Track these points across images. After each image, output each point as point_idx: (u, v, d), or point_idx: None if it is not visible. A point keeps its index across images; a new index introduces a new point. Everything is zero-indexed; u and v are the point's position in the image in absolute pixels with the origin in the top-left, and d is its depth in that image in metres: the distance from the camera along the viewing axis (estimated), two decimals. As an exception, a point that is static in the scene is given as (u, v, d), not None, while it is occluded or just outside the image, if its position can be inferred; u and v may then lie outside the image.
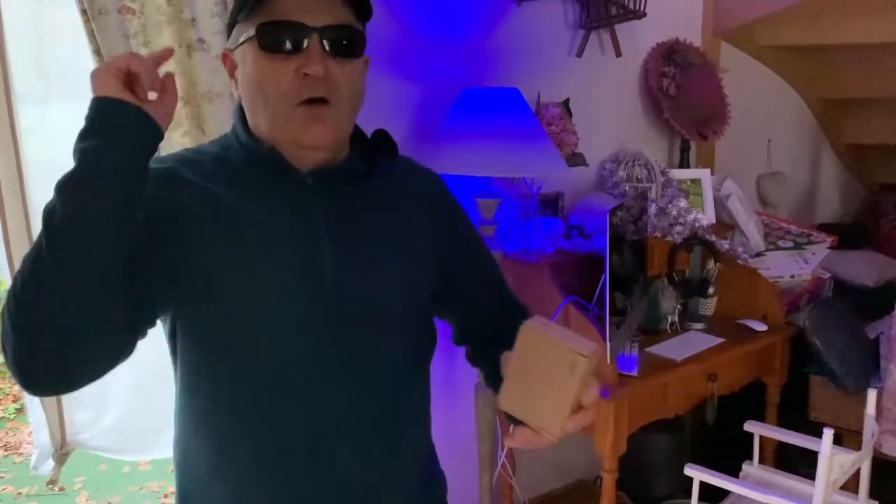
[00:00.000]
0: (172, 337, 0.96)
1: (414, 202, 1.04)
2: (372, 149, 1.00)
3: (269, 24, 0.88)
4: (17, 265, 1.55)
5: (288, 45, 0.88)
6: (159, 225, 0.88)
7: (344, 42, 0.90)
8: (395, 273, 0.98)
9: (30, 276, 0.78)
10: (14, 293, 0.79)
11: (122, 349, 0.87)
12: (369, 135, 1.03)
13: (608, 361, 1.87)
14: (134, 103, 0.80)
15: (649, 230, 2.26)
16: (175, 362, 0.98)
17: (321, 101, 0.89)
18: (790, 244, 2.82)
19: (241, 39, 0.91)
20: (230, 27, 0.94)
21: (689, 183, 2.59)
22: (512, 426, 0.89)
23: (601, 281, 1.96)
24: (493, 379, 1.02)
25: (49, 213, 0.79)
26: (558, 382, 0.80)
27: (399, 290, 0.98)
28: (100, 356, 0.85)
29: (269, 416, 0.92)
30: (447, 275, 1.05)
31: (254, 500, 0.95)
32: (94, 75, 0.81)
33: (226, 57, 0.97)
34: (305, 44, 0.88)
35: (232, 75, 0.96)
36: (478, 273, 1.12)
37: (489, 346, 1.04)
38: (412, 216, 1.02)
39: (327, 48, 0.89)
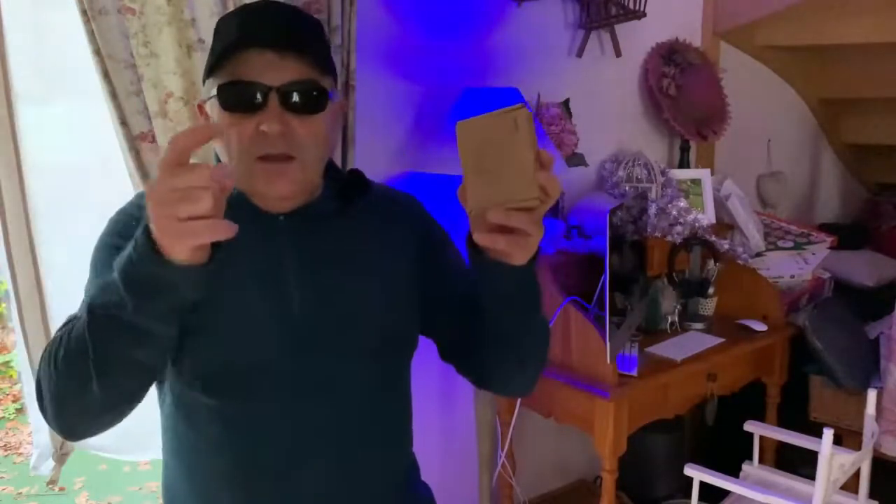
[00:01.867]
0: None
1: (390, 229, 1.05)
2: (345, 187, 1.03)
3: (229, 84, 0.90)
4: (17, 265, 1.55)
5: (248, 105, 0.89)
6: None
7: (304, 98, 0.91)
8: (367, 304, 0.99)
9: (72, 368, 0.83)
10: (55, 370, 0.85)
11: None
12: (345, 171, 1.06)
13: (608, 361, 1.87)
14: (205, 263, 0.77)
15: (649, 230, 2.26)
16: (160, 392, 1.02)
17: (283, 156, 0.90)
18: (790, 244, 2.82)
19: (208, 95, 0.93)
20: (204, 80, 0.96)
21: (689, 183, 2.59)
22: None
23: (601, 281, 1.96)
24: (483, 379, 1.07)
25: (99, 316, 0.81)
26: (511, 149, 0.79)
27: (372, 320, 1.00)
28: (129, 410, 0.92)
29: (242, 441, 0.96)
30: (428, 297, 1.06)
31: None
32: (169, 234, 0.73)
33: (200, 108, 0.99)
34: (264, 101, 0.89)
35: None
36: (455, 290, 1.08)
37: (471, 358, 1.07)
38: (388, 243, 1.04)
39: (288, 105, 0.90)
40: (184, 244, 0.73)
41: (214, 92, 0.91)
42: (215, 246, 0.79)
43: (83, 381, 0.82)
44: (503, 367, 1.03)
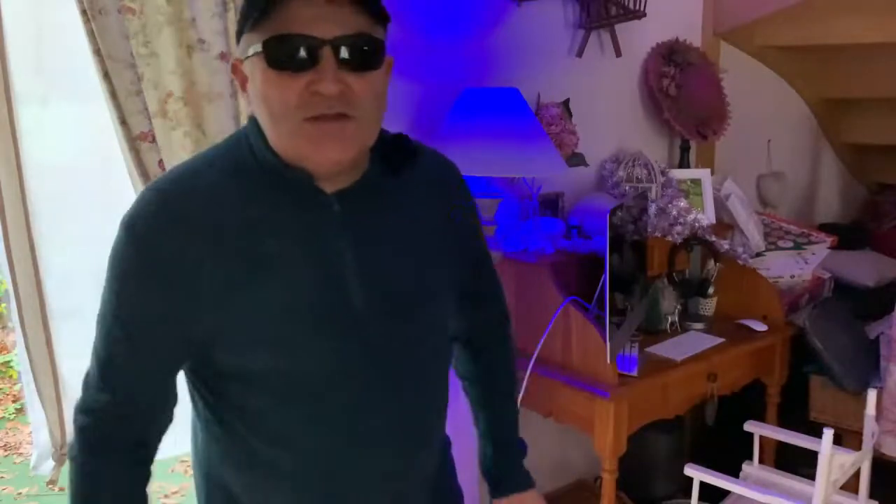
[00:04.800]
0: (194, 371, 0.95)
1: (435, 206, 1.00)
2: (393, 157, 0.94)
3: (277, 38, 0.80)
4: (17, 265, 1.55)
5: (298, 61, 0.80)
6: (183, 298, 0.86)
7: (360, 53, 0.81)
8: (422, 287, 0.97)
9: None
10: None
11: None
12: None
13: (608, 361, 1.87)
14: None
15: (649, 230, 2.26)
16: (195, 389, 0.97)
17: (338, 116, 0.82)
18: (790, 244, 2.82)
19: (249, 52, 0.83)
20: (238, 35, 0.86)
21: (689, 183, 2.59)
22: None
23: (601, 281, 1.96)
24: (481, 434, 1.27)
25: None
26: None
27: (427, 305, 0.98)
28: None
29: (300, 438, 0.93)
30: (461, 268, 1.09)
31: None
32: None
33: (235, 68, 0.89)
34: (317, 57, 0.80)
35: (243, 87, 0.89)
36: (481, 271, 1.16)
37: (473, 379, 1.24)
38: (434, 220, 0.99)
39: (342, 61, 0.81)
40: None
41: (258, 48, 0.81)
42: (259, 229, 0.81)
43: None
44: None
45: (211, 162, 0.91)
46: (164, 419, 0.96)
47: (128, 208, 0.90)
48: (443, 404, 1.08)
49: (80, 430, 0.93)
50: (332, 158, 0.84)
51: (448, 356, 1.12)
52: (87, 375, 0.93)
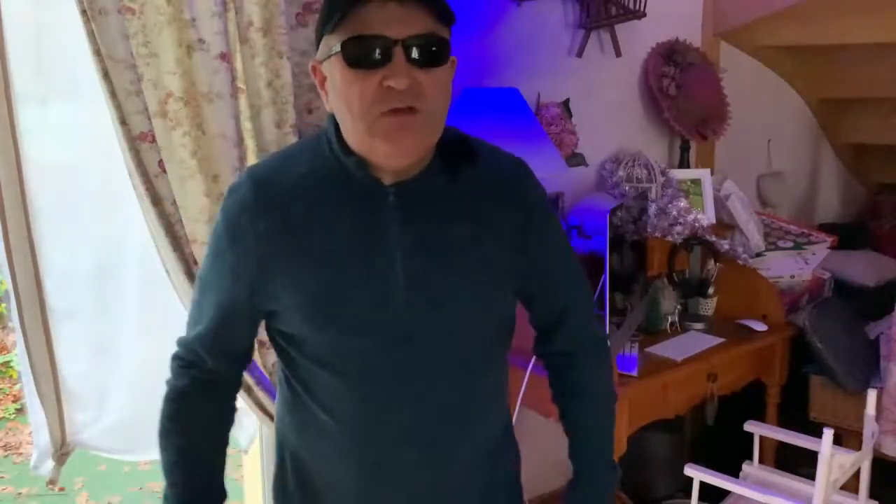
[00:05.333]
0: (272, 337, 1.09)
1: (495, 210, 1.03)
2: (453, 156, 1.00)
3: (354, 39, 0.88)
4: (17, 265, 1.55)
5: (373, 59, 0.88)
6: (258, 270, 0.99)
7: (428, 51, 0.90)
8: (468, 288, 1.01)
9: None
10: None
11: None
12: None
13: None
14: None
15: (649, 230, 2.26)
16: (276, 348, 1.10)
17: (408, 109, 0.89)
18: (790, 244, 2.82)
19: (329, 53, 0.92)
20: (318, 39, 0.95)
21: (689, 183, 2.59)
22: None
23: (601, 281, 1.96)
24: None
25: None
26: None
27: (472, 308, 1.03)
28: None
29: (345, 413, 1.04)
30: (527, 283, 1.09)
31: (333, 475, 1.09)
32: None
33: (315, 69, 0.98)
34: (389, 55, 0.88)
35: (322, 87, 0.97)
36: (555, 287, 1.13)
37: (562, 393, 1.22)
38: (493, 225, 1.02)
39: (412, 59, 0.89)
40: None
41: (337, 49, 0.90)
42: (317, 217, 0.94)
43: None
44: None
45: (297, 154, 1.05)
46: (243, 361, 1.13)
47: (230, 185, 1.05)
48: (488, 396, 1.12)
49: (174, 357, 1.11)
50: (403, 148, 0.92)
51: (495, 360, 1.13)
52: (189, 318, 1.11)
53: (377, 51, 0.88)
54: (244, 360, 1.13)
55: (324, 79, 0.96)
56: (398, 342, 0.99)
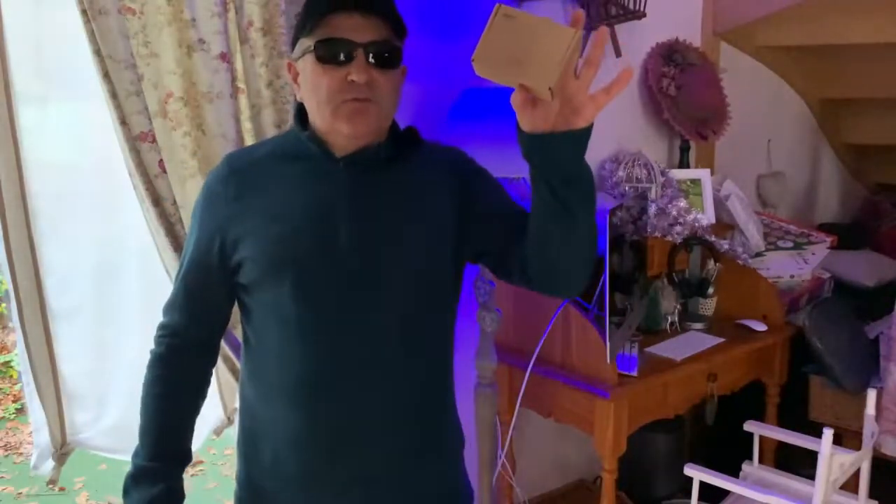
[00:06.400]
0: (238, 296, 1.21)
1: (434, 177, 1.19)
2: (399, 140, 1.18)
3: (325, 41, 1.08)
4: (17, 265, 1.55)
5: (339, 58, 1.08)
6: (227, 225, 1.15)
7: (384, 55, 1.09)
8: (409, 244, 1.14)
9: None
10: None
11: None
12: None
13: (608, 361, 1.87)
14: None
15: (649, 230, 2.26)
16: (240, 310, 1.22)
17: (365, 100, 1.08)
18: (790, 244, 2.82)
19: (302, 52, 1.11)
20: (294, 41, 1.14)
21: (689, 183, 2.59)
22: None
23: (601, 281, 1.96)
24: (539, 282, 1.14)
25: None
26: (545, 48, 0.89)
27: (411, 259, 1.15)
28: None
29: (292, 352, 1.14)
30: (473, 220, 1.18)
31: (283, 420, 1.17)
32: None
33: (290, 66, 1.17)
34: (353, 56, 1.07)
35: (295, 81, 1.16)
36: (502, 207, 1.20)
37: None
38: (432, 190, 1.18)
39: (371, 60, 1.08)
40: None
41: (311, 48, 1.09)
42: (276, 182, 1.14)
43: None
44: (561, 264, 1.09)
45: (268, 140, 1.31)
46: (218, 326, 1.26)
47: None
48: (429, 352, 1.20)
49: (157, 328, 1.24)
50: (359, 130, 1.10)
51: (441, 325, 1.22)
52: (170, 297, 1.24)
53: (343, 51, 1.07)
54: (219, 326, 1.26)
55: (297, 74, 1.15)
56: (342, 285, 1.12)
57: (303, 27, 1.11)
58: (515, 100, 0.97)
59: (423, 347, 1.18)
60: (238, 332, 1.70)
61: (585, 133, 0.99)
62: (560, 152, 0.99)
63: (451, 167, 1.22)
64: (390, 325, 1.14)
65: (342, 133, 1.11)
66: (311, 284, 1.12)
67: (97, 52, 1.47)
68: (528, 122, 0.98)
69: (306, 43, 1.10)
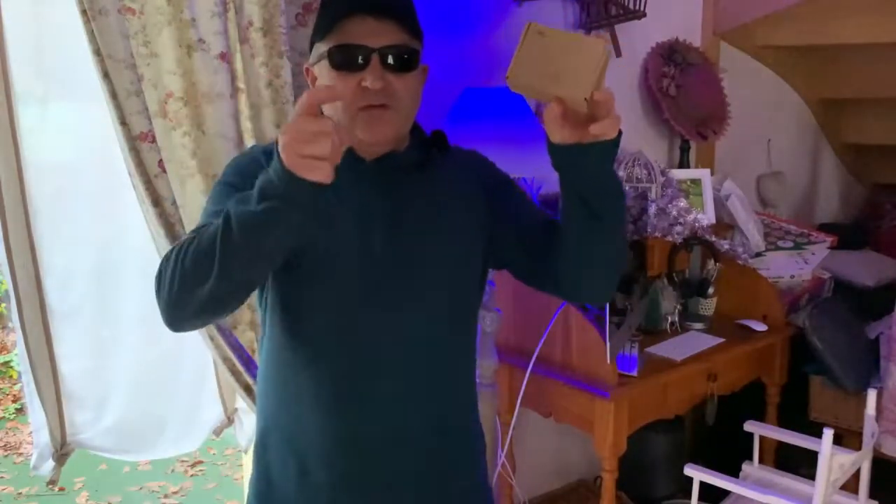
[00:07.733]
0: (261, 293, 1.17)
1: (462, 182, 1.19)
2: (427, 144, 1.18)
3: (339, 47, 1.05)
4: (17, 265, 1.55)
5: (353, 64, 1.05)
6: None
7: (400, 59, 1.07)
8: (440, 243, 1.14)
9: (198, 266, 0.94)
10: (181, 265, 0.95)
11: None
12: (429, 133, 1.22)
13: (608, 361, 1.87)
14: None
15: (649, 230, 2.26)
16: (263, 312, 1.18)
17: (381, 106, 1.06)
18: (790, 244, 2.82)
19: (318, 58, 1.09)
20: (311, 46, 1.12)
21: (689, 183, 2.59)
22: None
23: (601, 281, 1.96)
24: (569, 289, 1.16)
25: (232, 227, 0.92)
26: (577, 65, 0.90)
27: (443, 255, 1.14)
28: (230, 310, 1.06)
29: (327, 353, 1.12)
30: (500, 227, 1.18)
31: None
32: (296, 159, 0.85)
33: (308, 71, 1.14)
34: (367, 61, 1.05)
35: (313, 85, 1.13)
36: (529, 217, 1.20)
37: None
38: (461, 194, 1.18)
39: (387, 64, 1.06)
40: (303, 175, 0.85)
41: (326, 54, 1.06)
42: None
43: (204, 278, 0.93)
44: (591, 273, 1.11)
45: None
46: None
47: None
48: (455, 355, 1.19)
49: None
50: (377, 137, 1.09)
51: (467, 327, 1.22)
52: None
53: (358, 57, 1.05)
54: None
55: (314, 79, 1.12)
56: (377, 287, 1.10)
57: (317, 32, 1.09)
58: (550, 113, 0.95)
59: (452, 350, 1.18)
60: (238, 333, 1.71)
61: (614, 144, 0.97)
62: (590, 162, 0.99)
63: (476, 174, 1.21)
64: (421, 330, 1.13)
65: (359, 140, 1.09)
66: (347, 286, 1.10)
67: (97, 52, 1.47)
68: (558, 134, 0.97)
69: (321, 48, 1.08)
